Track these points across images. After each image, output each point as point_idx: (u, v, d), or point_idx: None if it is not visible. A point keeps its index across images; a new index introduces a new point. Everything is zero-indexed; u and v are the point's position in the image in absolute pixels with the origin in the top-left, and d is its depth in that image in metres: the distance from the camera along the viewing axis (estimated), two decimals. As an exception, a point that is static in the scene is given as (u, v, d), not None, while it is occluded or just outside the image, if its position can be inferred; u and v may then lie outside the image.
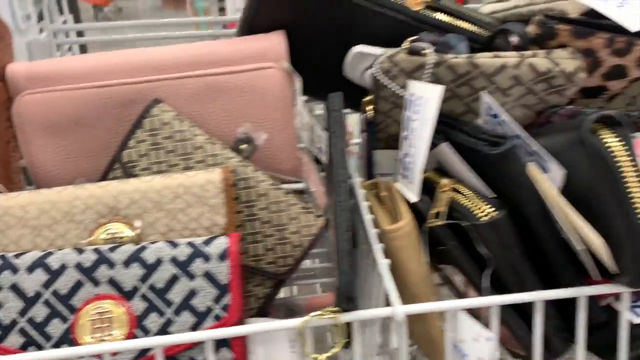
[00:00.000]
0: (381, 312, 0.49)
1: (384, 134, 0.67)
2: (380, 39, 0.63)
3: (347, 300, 0.47)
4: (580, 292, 0.51)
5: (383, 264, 0.52)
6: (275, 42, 0.63)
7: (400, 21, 0.63)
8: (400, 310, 0.48)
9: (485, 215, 0.51)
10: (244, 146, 0.61)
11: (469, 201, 0.53)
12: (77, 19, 1.27)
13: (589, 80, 0.64)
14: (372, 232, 0.54)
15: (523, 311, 0.55)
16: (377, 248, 0.53)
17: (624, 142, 0.46)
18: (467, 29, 0.63)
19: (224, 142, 0.61)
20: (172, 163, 0.59)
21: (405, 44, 0.58)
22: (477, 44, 0.63)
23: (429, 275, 0.55)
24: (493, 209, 0.51)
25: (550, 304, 0.54)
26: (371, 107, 0.63)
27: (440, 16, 0.63)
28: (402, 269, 0.54)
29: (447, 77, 0.59)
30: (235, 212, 0.56)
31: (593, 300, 0.56)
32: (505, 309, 0.53)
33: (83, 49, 1.24)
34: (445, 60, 0.58)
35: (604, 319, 0.58)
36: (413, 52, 0.58)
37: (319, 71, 0.66)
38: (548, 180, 0.50)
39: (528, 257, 0.53)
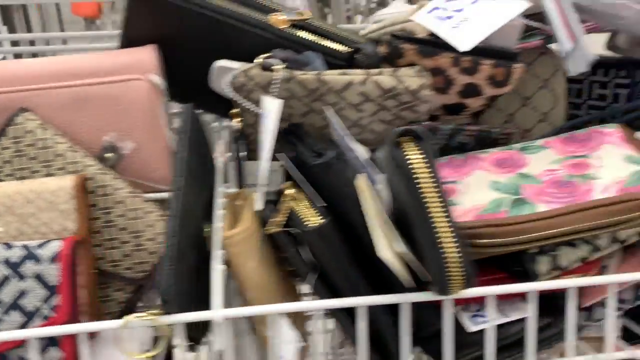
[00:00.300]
0: (202, 315, 0.51)
1: (254, 145, 0.69)
2: (248, 55, 0.66)
3: (167, 303, 0.49)
4: (404, 299, 0.54)
5: (216, 269, 0.54)
6: (144, 55, 0.66)
7: (266, 38, 0.66)
8: (219, 313, 0.50)
9: (312, 223, 0.53)
10: (109, 155, 0.64)
11: (303, 210, 0.55)
12: (12, 30, 1.30)
13: (447, 98, 0.67)
14: (216, 239, 0.57)
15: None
16: (217, 254, 0.56)
17: (424, 156, 0.48)
18: (330, 47, 0.66)
19: (91, 151, 0.64)
20: (34, 170, 0.61)
21: (259, 60, 0.61)
22: (340, 61, 0.66)
23: (270, 281, 0.58)
24: (320, 217, 0.53)
25: (385, 310, 0.56)
26: (238, 119, 0.66)
27: (304, 34, 0.66)
28: (239, 273, 0.56)
29: (300, 92, 0.62)
30: (89, 218, 0.58)
31: (432, 307, 0.59)
32: (338, 313, 0.56)
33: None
34: (295, 76, 0.61)
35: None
36: (265, 67, 0.60)
37: (194, 84, 0.68)
38: (371, 191, 0.53)
39: (359, 264, 0.55)
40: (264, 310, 0.52)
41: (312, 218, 0.54)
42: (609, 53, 0.78)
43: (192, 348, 0.57)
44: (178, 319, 0.50)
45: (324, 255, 0.53)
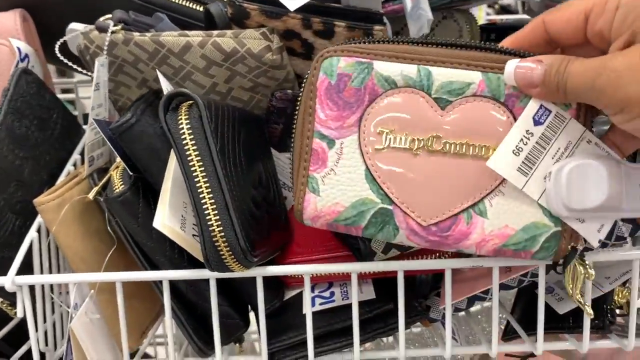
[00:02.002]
0: (-4, 280, 0.50)
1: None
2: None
3: None
4: (164, 276, 0.51)
5: (29, 235, 0.53)
6: (7, 20, 0.65)
7: (129, 1, 0.63)
8: (9, 279, 0.49)
9: (117, 191, 0.51)
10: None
11: (117, 177, 0.53)
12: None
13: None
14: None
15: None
16: (36, 221, 0.55)
17: (190, 125, 0.45)
18: (187, 7, 0.63)
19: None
20: None
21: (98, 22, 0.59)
22: (199, 23, 0.63)
23: (93, 251, 0.56)
24: (122, 184, 0.51)
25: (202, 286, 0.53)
26: (97, 85, 0.64)
27: (162, -5, 0.63)
28: (57, 241, 0.55)
29: (143, 56, 0.59)
30: None
31: (269, 286, 0.55)
32: (154, 287, 0.53)
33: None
34: (132, 38, 0.58)
35: (278, 304, 0.57)
36: (100, 29, 0.58)
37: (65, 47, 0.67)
38: (174, 160, 0.50)
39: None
40: (64, 280, 0.50)
41: (119, 186, 0.51)
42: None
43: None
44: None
45: (129, 225, 0.51)
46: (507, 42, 0.47)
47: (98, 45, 0.59)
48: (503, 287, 0.55)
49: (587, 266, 0.47)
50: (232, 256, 0.44)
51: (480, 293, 0.56)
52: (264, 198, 0.53)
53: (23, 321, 0.60)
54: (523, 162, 0.45)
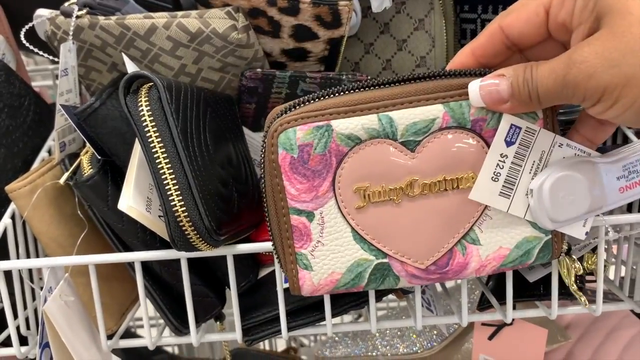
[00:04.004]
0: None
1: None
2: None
3: None
4: (135, 257, 0.51)
5: (4, 222, 0.54)
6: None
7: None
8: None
9: (85, 174, 0.51)
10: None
11: (85, 162, 0.53)
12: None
13: (283, 42, 0.62)
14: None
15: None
16: (10, 208, 0.55)
17: (149, 106, 0.45)
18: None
19: None
20: None
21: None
22: (166, 4, 0.63)
23: (67, 235, 0.56)
24: (91, 168, 0.51)
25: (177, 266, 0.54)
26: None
27: (129, -23, 0.63)
28: (31, 228, 0.56)
29: (109, 40, 0.59)
30: None
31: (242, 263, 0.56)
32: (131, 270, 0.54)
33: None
34: (98, 22, 0.58)
35: (252, 281, 0.57)
36: (65, 14, 0.58)
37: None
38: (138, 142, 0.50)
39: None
40: (40, 264, 0.51)
41: (88, 170, 0.52)
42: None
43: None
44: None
45: (100, 208, 0.52)
46: (464, 54, 0.46)
47: (65, 30, 0.59)
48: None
49: (575, 260, 0.49)
50: (197, 235, 0.45)
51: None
52: (234, 178, 0.54)
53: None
54: (503, 186, 0.44)
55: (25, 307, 0.56)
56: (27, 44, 0.59)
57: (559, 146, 0.45)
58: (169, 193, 0.44)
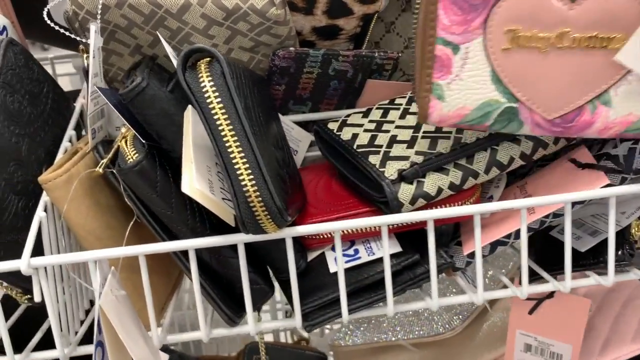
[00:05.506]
0: (9, 265, 0.47)
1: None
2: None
3: None
4: (190, 244, 0.48)
5: (37, 216, 0.50)
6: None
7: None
8: (24, 262, 0.46)
9: (130, 161, 0.48)
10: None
11: (129, 147, 0.50)
12: None
13: (315, 20, 0.61)
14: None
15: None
16: (42, 200, 0.52)
17: (212, 82, 0.42)
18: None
19: None
20: None
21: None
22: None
23: (106, 226, 0.53)
24: (136, 154, 0.48)
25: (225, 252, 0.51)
26: (86, 55, 0.60)
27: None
28: (66, 219, 0.52)
29: (137, 19, 0.56)
30: None
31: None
32: (175, 257, 0.51)
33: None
34: (126, 0, 0.54)
35: (302, 266, 0.55)
36: (90, -8, 0.54)
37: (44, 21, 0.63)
38: (190, 122, 0.47)
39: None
40: (77, 258, 0.48)
41: (133, 155, 0.48)
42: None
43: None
44: None
45: (147, 195, 0.48)
46: None
47: (88, 10, 0.55)
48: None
49: None
50: (268, 216, 0.43)
51: (502, 238, 0.56)
52: (282, 159, 0.52)
53: (28, 309, 0.58)
54: None
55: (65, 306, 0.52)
56: (52, 25, 0.56)
57: None
58: (239, 172, 0.42)
